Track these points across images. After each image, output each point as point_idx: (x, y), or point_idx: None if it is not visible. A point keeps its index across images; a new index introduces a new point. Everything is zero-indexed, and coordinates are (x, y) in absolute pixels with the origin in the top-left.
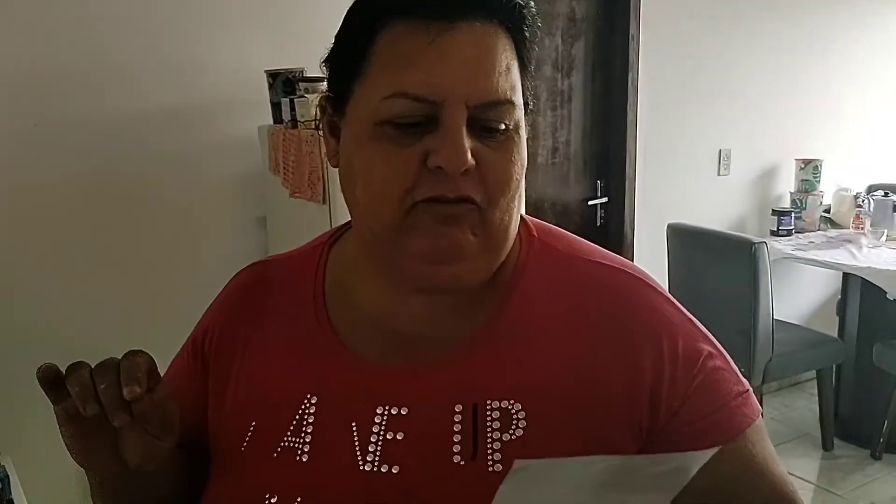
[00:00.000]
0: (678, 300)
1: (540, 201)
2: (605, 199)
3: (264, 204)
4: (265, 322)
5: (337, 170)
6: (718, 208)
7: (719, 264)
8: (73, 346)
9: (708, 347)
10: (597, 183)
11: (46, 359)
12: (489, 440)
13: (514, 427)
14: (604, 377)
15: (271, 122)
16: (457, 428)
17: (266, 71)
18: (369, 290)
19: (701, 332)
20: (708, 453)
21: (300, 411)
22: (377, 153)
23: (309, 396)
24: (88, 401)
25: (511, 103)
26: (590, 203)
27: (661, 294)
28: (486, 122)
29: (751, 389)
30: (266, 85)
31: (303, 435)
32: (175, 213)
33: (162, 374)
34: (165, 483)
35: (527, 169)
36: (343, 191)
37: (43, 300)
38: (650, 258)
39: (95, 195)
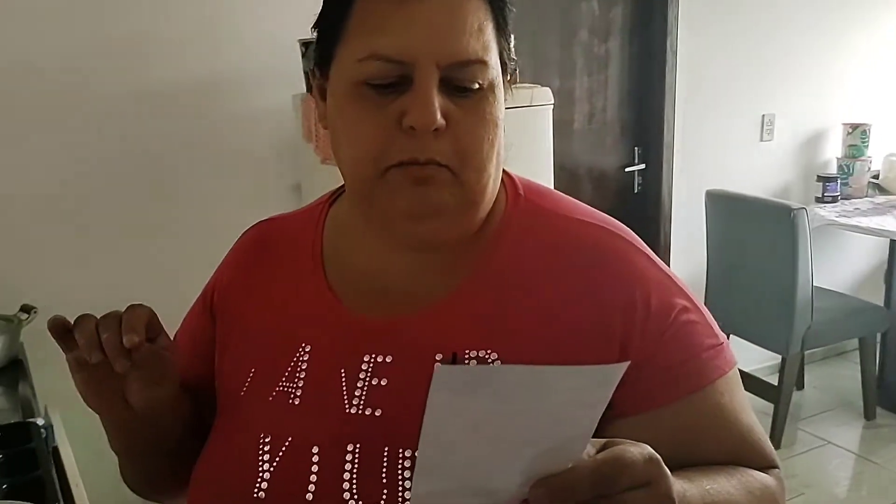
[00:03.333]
0: (716, 268)
1: (575, 168)
2: (642, 166)
3: (299, 171)
4: (267, 276)
5: None
6: (761, 175)
7: (758, 231)
8: (112, 307)
9: (683, 302)
10: (634, 149)
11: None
12: None
13: None
14: (576, 329)
15: (305, 90)
16: None
17: (299, 40)
18: (361, 246)
19: (678, 287)
20: (622, 367)
21: (295, 359)
22: (355, 114)
23: (304, 345)
24: (93, 349)
25: (483, 63)
26: (627, 170)
27: (640, 250)
28: (459, 82)
29: (726, 343)
30: (300, 54)
31: (296, 380)
32: (213, 180)
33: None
34: (176, 424)
35: (562, 136)
36: (333, 152)
37: (89, 261)
38: (688, 225)
39: (135, 165)
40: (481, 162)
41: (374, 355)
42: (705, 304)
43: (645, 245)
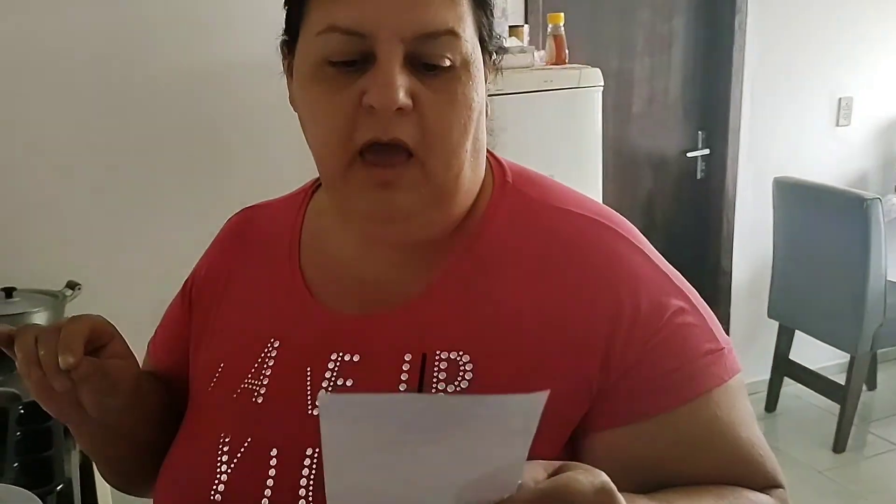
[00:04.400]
0: (782, 260)
1: (633, 153)
2: (706, 151)
3: None
4: (244, 267)
5: None
6: (836, 162)
7: (829, 222)
8: (153, 284)
9: (679, 302)
10: (698, 134)
11: (136, 303)
12: (434, 391)
13: (459, 379)
14: (556, 331)
15: None
16: (403, 377)
17: None
18: (338, 237)
19: (674, 286)
20: (543, 396)
21: (263, 355)
22: (317, 95)
23: (272, 341)
24: (31, 366)
25: (453, 34)
26: (689, 155)
27: (634, 245)
28: (428, 58)
29: (727, 348)
30: None
31: (261, 378)
32: (254, 165)
33: None
34: (139, 426)
35: (619, 119)
36: (304, 135)
37: (133, 239)
38: (754, 215)
39: (179, 148)
40: (450, 147)
41: (341, 354)
42: (769, 297)
43: (643, 239)
